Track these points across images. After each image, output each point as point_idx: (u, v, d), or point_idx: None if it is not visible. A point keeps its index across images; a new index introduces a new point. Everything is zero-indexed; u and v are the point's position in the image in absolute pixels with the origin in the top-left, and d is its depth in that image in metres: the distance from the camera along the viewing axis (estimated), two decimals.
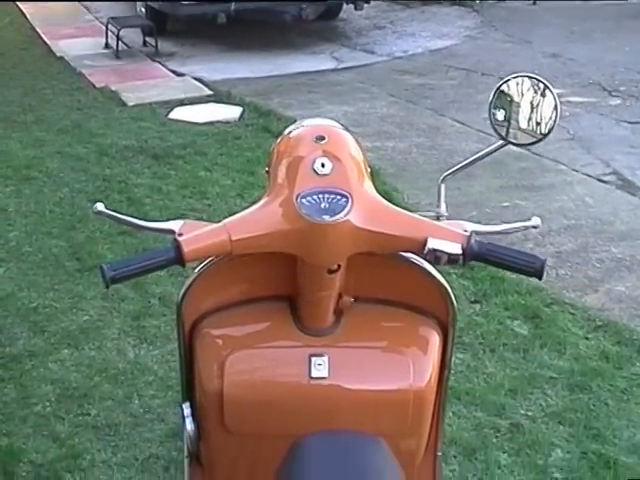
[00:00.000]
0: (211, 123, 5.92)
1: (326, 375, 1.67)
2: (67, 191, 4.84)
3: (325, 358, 1.68)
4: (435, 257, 1.57)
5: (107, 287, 1.51)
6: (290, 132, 1.68)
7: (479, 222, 1.79)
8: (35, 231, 4.36)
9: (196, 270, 1.73)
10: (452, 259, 1.56)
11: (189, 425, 1.74)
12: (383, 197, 1.60)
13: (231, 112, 6.14)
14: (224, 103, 6.40)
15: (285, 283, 1.71)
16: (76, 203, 4.68)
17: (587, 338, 3.44)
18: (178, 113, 6.11)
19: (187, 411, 1.75)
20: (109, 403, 3.06)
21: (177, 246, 1.51)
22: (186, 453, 1.85)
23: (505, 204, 4.66)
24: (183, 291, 1.72)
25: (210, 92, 6.66)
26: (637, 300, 3.73)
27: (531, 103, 1.83)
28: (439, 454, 1.89)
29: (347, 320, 1.73)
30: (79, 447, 2.85)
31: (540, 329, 3.47)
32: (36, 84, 6.86)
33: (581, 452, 2.82)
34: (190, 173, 5.01)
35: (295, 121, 1.79)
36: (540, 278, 1.57)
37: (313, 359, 1.68)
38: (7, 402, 3.06)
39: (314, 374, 1.67)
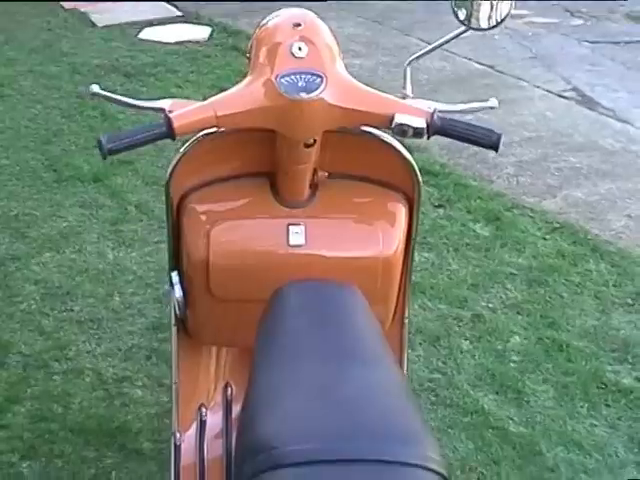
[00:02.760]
0: (181, 43, 5.98)
1: (303, 242, 1.83)
2: (41, 108, 4.91)
3: (302, 227, 1.83)
4: (402, 131, 1.72)
5: (104, 158, 1.65)
6: (268, 21, 1.81)
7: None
8: (11, 145, 4.45)
9: (181, 150, 1.87)
10: (417, 133, 1.71)
11: (178, 292, 1.89)
12: None
13: (200, 32, 6.20)
14: (193, 23, 6.45)
15: (265, 160, 1.85)
16: (50, 119, 4.76)
17: (545, 238, 3.63)
18: (148, 33, 6.16)
19: (175, 279, 1.90)
20: (91, 300, 3.20)
21: (168, 121, 1.65)
22: (173, 321, 2.00)
23: (468, 117, 4.79)
24: (170, 169, 1.86)
25: (179, 13, 6.71)
26: (592, 205, 3.92)
27: None
28: (406, 321, 2.06)
29: (322, 194, 1.88)
30: (65, 339, 2.99)
31: (501, 230, 3.65)
32: (7, 7, 6.85)
33: (537, 338, 3.02)
34: (162, 90, 5.08)
35: None
36: (496, 150, 1.72)
37: (291, 228, 1.83)
38: None
39: (292, 242, 1.83)
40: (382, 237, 1.87)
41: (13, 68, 5.49)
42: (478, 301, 3.20)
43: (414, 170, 1.90)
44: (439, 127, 1.71)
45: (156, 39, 6.04)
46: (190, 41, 6.02)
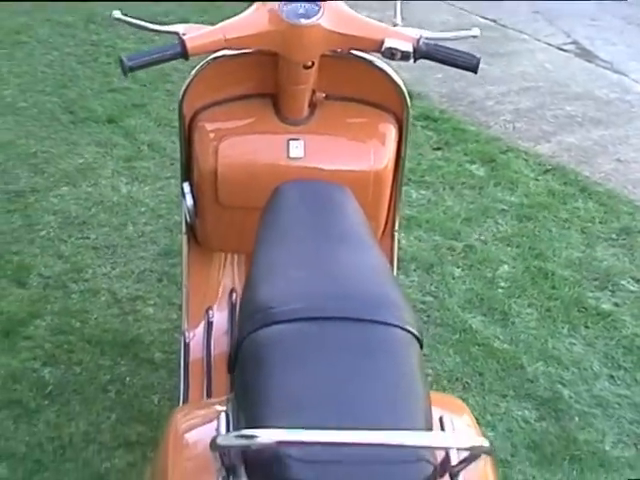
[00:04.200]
0: None
1: (302, 155, 2.03)
2: (57, 54, 5.08)
3: (301, 142, 2.03)
4: (391, 54, 1.91)
5: (125, 75, 1.84)
6: None
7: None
8: (29, 89, 4.62)
9: (192, 72, 2.07)
10: (404, 56, 1.91)
11: (189, 200, 2.09)
12: None
13: None
14: None
15: (268, 82, 2.05)
16: (66, 65, 4.93)
17: (537, 179, 3.81)
18: None
19: (187, 189, 2.10)
20: (106, 229, 3.40)
21: (182, 43, 1.85)
22: (184, 230, 2.20)
23: None
24: (183, 90, 2.05)
25: None
26: (584, 149, 4.10)
27: None
28: (396, 234, 2.26)
29: (319, 113, 2.08)
30: (82, 263, 3.20)
31: (495, 171, 3.83)
32: None
33: (524, 267, 3.21)
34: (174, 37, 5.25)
35: None
36: (475, 72, 1.91)
37: (291, 142, 2.03)
38: (15, 228, 3.39)
39: (292, 154, 2.03)
40: (373, 153, 2.06)
41: (30, 16, 5.65)
42: (471, 234, 3.39)
43: (403, 94, 2.09)
44: (424, 51, 1.90)
45: None
46: None
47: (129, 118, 4.27)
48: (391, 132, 2.10)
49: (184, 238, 2.22)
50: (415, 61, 1.93)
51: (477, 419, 1.51)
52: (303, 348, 1.33)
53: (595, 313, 2.98)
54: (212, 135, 2.07)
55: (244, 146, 2.06)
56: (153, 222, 3.45)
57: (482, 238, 3.38)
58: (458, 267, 3.20)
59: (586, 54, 5.31)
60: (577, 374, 2.73)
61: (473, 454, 1.19)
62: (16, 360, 2.73)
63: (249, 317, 1.41)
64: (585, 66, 5.13)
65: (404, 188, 3.47)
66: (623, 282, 3.15)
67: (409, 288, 3.05)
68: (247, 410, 1.26)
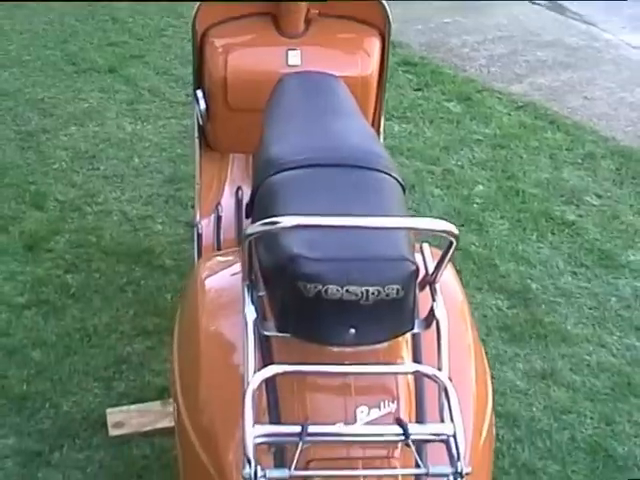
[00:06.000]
0: None
1: (299, 63, 2.34)
2: (56, 14, 5.35)
3: (298, 52, 2.35)
4: None
5: None
6: None
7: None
8: (31, 44, 4.88)
9: None
10: None
11: (202, 105, 2.40)
12: None
13: None
14: None
15: (269, 3, 2.36)
16: (65, 22, 5.18)
17: (509, 114, 4.14)
18: None
19: (200, 95, 2.41)
20: (114, 161, 3.70)
21: None
22: (196, 134, 2.52)
23: (446, 20, 5.26)
24: (195, 10, 2.37)
25: None
26: (554, 89, 4.42)
27: None
28: (381, 134, 2.57)
29: (313, 28, 2.40)
30: (94, 190, 3.50)
31: (471, 108, 4.15)
32: None
33: (497, 187, 3.54)
34: None
35: None
36: None
37: (289, 52, 2.35)
38: (30, 163, 3.68)
39: (290, 62, 2.35)
40: (360, 62, 2.39)
41: None
42: (449, 160, 3.72)
43: (386, 12, 2.41)
44: None
45: None
46: None
47: (129, 68, 4.55)
48: (375, 44, 2.42)
49: (196, 141, 2.53)
50: None
51: None
52: (308, 187, 1.65)
53: (561, 222, 3.31)
54: (221, 49, 2.38)
55: (249, 57, 2.38)
56: (157, 155, 3.75)
57: (459, 163, 3.70)
58: (437, 187, 3.52)
59: (558, 7, 5.62)
60: (544, 271, 3.06)
61: (443, 259, 1.52)
62: (41, 269, 3.04)
63: (263, 169, 1.72)
64: (556, 18, 5.44)
65: (387, 123, 3.82)
66: (587, 198, 3.48)
67: None
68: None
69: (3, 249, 3.13)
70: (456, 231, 1.48)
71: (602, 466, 2.35)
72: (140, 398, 2.52)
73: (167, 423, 2.30)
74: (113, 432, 2.41)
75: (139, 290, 2.94)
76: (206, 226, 2.51)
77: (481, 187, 3.53)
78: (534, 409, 2.53)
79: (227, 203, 2.56)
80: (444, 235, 1.48)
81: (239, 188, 2.59)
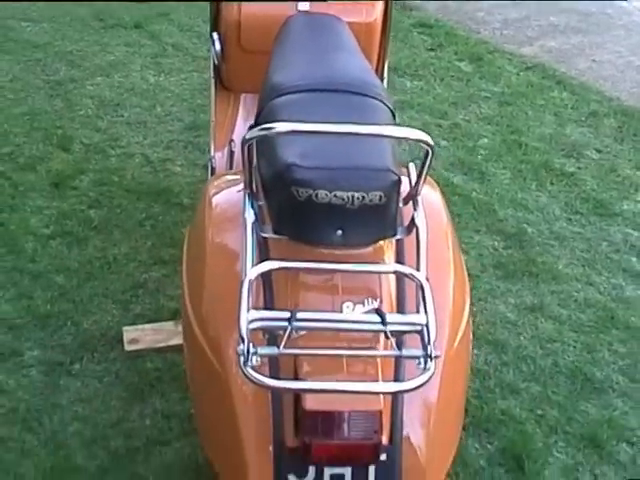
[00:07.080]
0: None
1: (308, 9, 2.50)
2: None
3: (307, 3, 2.51)
4: None
5: None
6: None
7: None
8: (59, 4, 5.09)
9: None
10: None
11: (218, 46, 2.57)
12: None
13: None
14: None
15: None
16: None
17: (518, 74, 4.29)
18: None
19: (216, 36, 2.58)
20: (137, 110, 3.89)
21: None
22: (212, 75, 2.69)
23: None
24: None
25: None
26: (564, 51, 4.57)
27: None
28: (384, 80, 2.74)
29: None
30: (117, 134, 3.69)
31: (481, 67, 4.31)
32: None
33: (502, 140, 3.70)
34: None
35: None
36: None
37: (299, 3, 2.51)
38: (57, 110, 3.87)
39: (300, 8, 2.50)
40: (365, 9, 2.54)
41: None
42: (457, 114, 3.88)
43: None
44: None
45: None
46: None
47: (154, 24, 4.73)
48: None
49: (212, 81, 2.71)
50: None
51: None
52: (307, 107, 1.82)
53: (560, 173, 3.47)
54: None
55: (261, 3, 2.54)
56: (178, 104, 3.93)
57: (466, 118, 3.86)
58: (444, 139, 3.69)
59: None
60: (540, 217, 3.23)
61: (422, 170, 1.69)
62: (66, 204, 3.23)
63: (267, 94, 1.90)
64: None
65: (400, 79, 3.98)
66: (587, 152, 3.64)
67: None
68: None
69: (31, 186, 3.32)
70: (431, 141, 1.64)
71: (580, 388, 2.52)
72: (154, 319, 2.72)
73: (179, 341, 2.46)
74: (129, 347, 2.60)
75: (157, 224, 3.13)
76: (219, 160, 2.68)
77: (486, 140, 3.69)
78: (522, 338, 2.70)
79: (239, 139, 2.71)
80: (421, 144, 1.64)
81: (251, 126, 2.75)
